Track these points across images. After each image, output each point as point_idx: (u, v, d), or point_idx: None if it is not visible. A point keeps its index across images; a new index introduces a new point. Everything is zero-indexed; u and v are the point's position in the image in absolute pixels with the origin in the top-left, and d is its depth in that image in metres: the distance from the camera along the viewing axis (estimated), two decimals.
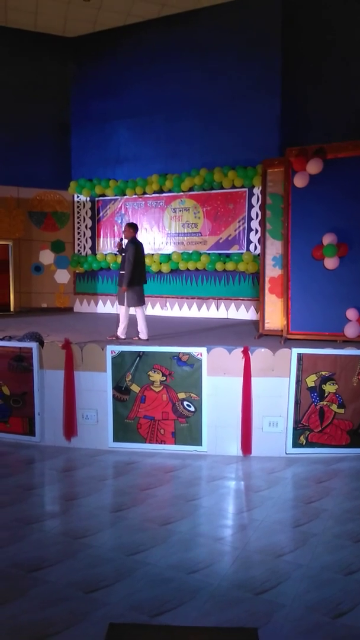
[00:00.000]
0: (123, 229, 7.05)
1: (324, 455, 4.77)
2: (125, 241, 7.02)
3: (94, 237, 11.34)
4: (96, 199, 11.26)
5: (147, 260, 10.45)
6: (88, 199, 11.29)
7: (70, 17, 10.28)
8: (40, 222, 11.29)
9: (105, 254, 11.05)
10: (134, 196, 10.81)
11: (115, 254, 6.95)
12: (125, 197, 10.93)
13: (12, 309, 11.06)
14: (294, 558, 3.03)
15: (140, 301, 6.85)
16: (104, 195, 11.12)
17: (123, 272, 6.74)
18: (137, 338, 6.82)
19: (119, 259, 6.86)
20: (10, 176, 10.86)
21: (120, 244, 7.06)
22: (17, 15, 10.21)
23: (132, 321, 6.91)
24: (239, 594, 2.67)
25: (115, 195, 10.99)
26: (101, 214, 11.30)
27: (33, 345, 5.06)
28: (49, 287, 11.44)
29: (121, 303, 6.83)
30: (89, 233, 11.33)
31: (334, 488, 4.06)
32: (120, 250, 6.93)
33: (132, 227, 7.00)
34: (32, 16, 10.24)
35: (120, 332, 6.81)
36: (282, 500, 3.84)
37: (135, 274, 6.76)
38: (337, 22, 8.18)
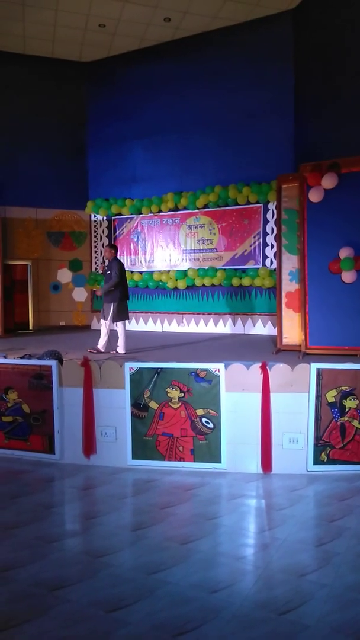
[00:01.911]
0: (104, 250, 7.79)
1: (347, 472, 4.68)
2: (106, 262, 7.66)
3: None
4: (112, 218, 11.44)
5: (164, 277, 10.60)
6: (105, 218, 11.47)
7: (86, 43, 10.59)
8: (58, 241, 11.49)
9: None
10: (150, 214, 10.95)
11: (104, 274, 7.38)
12: (141, 215, 11.08)
13: (30, 328, 11.21)
14: (317, 578, 2.97)
15: (124, 316, 7.37)
16: (120, 214, 11.29)
17: (111, 289, 7.32)
18: (114, 352, 7.19)
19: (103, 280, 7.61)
20: (29, 198, 11.12)
21: (103, 265, 7.63)
22: (35, 43, 10.56)
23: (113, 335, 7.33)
24: (262, 614, 2.62)
25: (131, 214, 11.15)
26: (117, 233, 11.46)
27: (52, 363, 5.11)
28: (67, 306, 11.58)
29: (105, 318, 7.29)
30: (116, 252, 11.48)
31: (357, 506, 3.98)
32: (104, 270, 7.50)
33: (113, 248, 7.75)
34: (50, 44, 10.58)
35: (102, 345, 7.22)
36: (304, 519, 3.78)
37: (120, 290, 7.32)
38: (349, 41, 8.27)
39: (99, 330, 7.48)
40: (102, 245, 11.52)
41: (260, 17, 9.57)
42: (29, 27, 9.91)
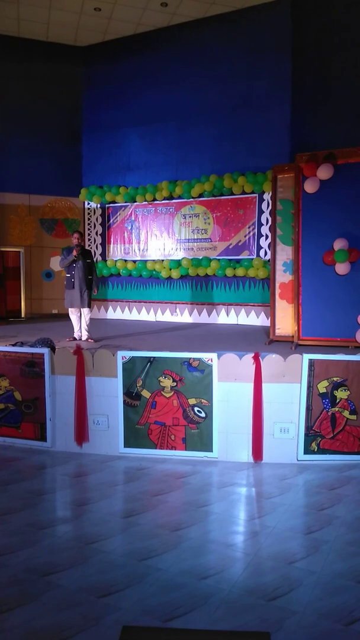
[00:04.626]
0: (74, 235, 7.43)
1: (336, 462, 4.73)
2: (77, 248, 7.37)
3: (104, 244, 11.43)
4: (106, 205, 11.36)
5: (157, 266, 10.57)
6: (98, 205, 11.39)
7: (81, 27, 10.43)
8: (51, 229, 11.40)
9: (116, 260, 11.13)
10: (144, 203, 10.88)
11: (74, 259, 7.21)
12: (135, 203, 11.01)
13: (23, 315, 11.15)
14: (306, 565, 3.01)
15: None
16: (114, 202, 11.21)
17: (90, 277, 7.35)
18: (91, 340, 7.28)
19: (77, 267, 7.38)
20: (22, 184, 11.00)
21: (77, 250, 7.29)
22: (29, 26, 10.38)
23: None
24: (251, 601, 2.66)
25: (126, 202, 11.07)
26: (111, 221, 11.39)
27: (45, 351, 5.10)
28: (59, 293, 11.49)
29: (84, 306, 7.32)
30: (99, 239, 11.42)
31: (346, 495, 4.03)
32: (78, 256, 7.26)
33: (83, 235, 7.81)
34: (44, 27, 10.40)
35: (83, 333, 7.36)
36: (293, 507, 3.82)
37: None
38: (347, 29, 8.20)
39: (91, 319, 7.51)
40: (96, 233, 11.46)
41: (258, 4, 9.46)
42: (23, 9, 9.73)
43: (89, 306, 7.36)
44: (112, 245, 11.40)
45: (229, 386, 4.80)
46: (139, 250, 11.11)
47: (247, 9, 9.60)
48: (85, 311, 7.34)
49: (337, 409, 4.75)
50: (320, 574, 2.91)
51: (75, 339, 7.24)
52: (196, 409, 4.81)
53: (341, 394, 4.73)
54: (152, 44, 10.61)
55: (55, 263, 11.50)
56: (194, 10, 9.76)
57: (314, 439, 4.74)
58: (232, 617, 2.52)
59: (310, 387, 4.71)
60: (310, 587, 2.78)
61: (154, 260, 10.79)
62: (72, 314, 7.36)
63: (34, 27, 10.43)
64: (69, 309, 7.38)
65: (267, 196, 9.43)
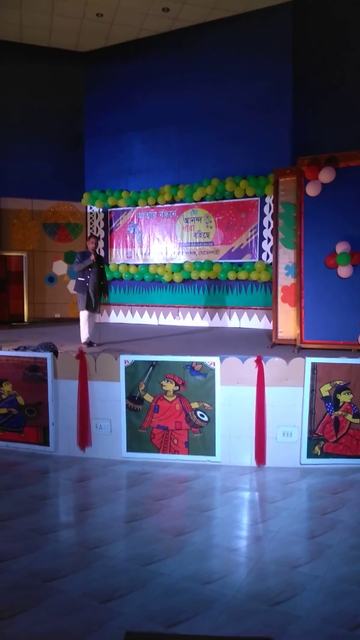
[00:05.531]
0: (91, 240, 7.44)
1: (340, 466, 4.72)
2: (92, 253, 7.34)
3: (107, 248, 11.45)
4: (109, 209, 11.38)
5: (159, 270, 10.58)
6: (101, 210, 11.42)
7: (83, 32, 10.48)
8: (54, 233, 11.43)
9: (118, 264, 11.15)
10: (146, 207, 10.90)
11: (91, 264, 7.18)
12: (137, 207, 11.03)
13: (25, 320, 11.17)
14: (309, 569, 3.00)
15: None
16: (116, 206, 11.23)
17: (102, 282, 7.39)
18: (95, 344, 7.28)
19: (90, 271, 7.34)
20: (25, 189, 11.04)
21: (95, 255, 7.25)
22: (32, 32, 10.43)
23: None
24: (254, 605, 2.65)
25: (128, 206, 11.09)
26: (114, 225, 11.41)
27: (47, 355, 5.10)
28: (62, 298, 11.54)
29: (97, 310, 7.41)
30: (101, 244, 11.43)
31: (349, 499, 4.01)
32: (94, 262, 7.22)
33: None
34: (47, 32, 10.46)
35: (90, 337, 7.33)
36: (297, 512, 3.81)
37: None
38: (348, 34, 8.22)
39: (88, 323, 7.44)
40: (98, 237, 11.48)
41: (260, 8, 9.49)
42: (25, 15, 9.78)
43: (99, 311, 7.42)
44: (114, 249, 11.42)
45: (232, 390, 4.79)
46: (142, 254, 11.12)
47: (247, 13, 9.62)
48: (95, 316, 7.40)
49: (340, 413, 4.74)
50: (324, 579, 2.89)
51: (91, 343, 7.20)
52: (199, 412, 4.80)
53: (344, 397, 4.72)
54: (154, 49, 10.65)
55: (58, 267, 11.53)
56: (195, 15, 9.79)
57: (317, 443, 4.73)
58: (235, 622, 2.51)
59: (313, 390, 4.70)
60: (314, 591, 2.77)
61: (156, 264, 10.80)
62: (86, 317, 7.31)
63: (37, 33, 10.48)
64: (82, 312, 7.32)
65: (269, 199, 9.44)
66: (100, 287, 7.36)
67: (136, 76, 10.88)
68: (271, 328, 7.64)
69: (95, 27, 10.24)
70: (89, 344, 7.16)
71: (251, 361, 4.75)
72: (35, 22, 10.04)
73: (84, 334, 7.27)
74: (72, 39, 10.78)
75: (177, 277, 10.38)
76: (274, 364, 4.77)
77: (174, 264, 10.51)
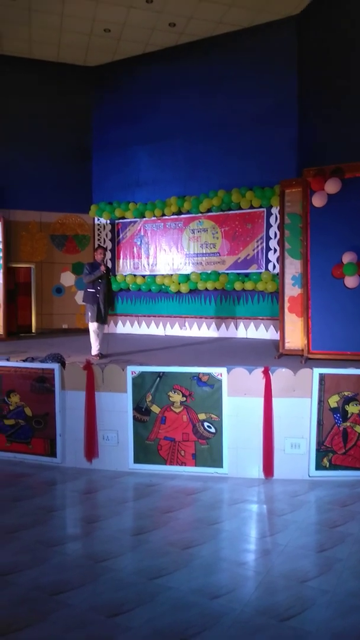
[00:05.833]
0: (99, 251, 7.54)
1: (349, 478, 4.67)
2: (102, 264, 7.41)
3: (114, 259, 11.52)
4: (116, 221, 11.47)
5: (166, 281, 10.62)
6: (108, 221, 11.51)
7: (91, 48, 10.65)
8: (61, 244, 11.53)
9: (125, 275, 11.20)
10: (153, 218, 10.98)
11: (101, 275, 7.25)
12: (144, 219, 11.11)
13: (33, 331, 11.23)
14: (319, 584, 2.96)
15: None
16: (123, 217, 11.32)
17: (109, 293, 7.47)
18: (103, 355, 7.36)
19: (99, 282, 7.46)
20: (33, 201, 11.16)
21: (104, 266, 7.35)
22: (41, 48, 10.62)
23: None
24: (263, 620, 2.61)
25: (135, 218, 11.18)
26: (121, 236, 11.49)
27: (55, 366, 5.12)
28: (70, 309, 11.60)
29: (105, 321, 7.46)
30: (109, 255, 11.51)
31: (358, 512, 3.97)
32: (103, 273, 7.33)
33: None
34: (55, 48, 10.64)
35: (100, 349, 7.40)
36: (305, 525, 3.77)
37: None
38: (352, 47, 8.29)
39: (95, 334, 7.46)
40: (106, 248, 11.55)
41: (264, 22, 9.61)
42: (34, 31, 9.97)
43: (106, 322, 7.49)
44: (121, 260, 11.48)
45: (239, 401, 4.77)
46: (148, 265, 11.18)
47: (253, 27, 9.75)
48: (104, 327, 7.47)
49: (348, 424, 4.70)
50: (333, 593, 2.85)
51: (101, 355, 7.23)
52: (206, 424, 4.78)
53: (352, 408, 4.68)
54: (161, 63, 10.79)
55: (66, 278, 11.61)
56: (201, 29, 9.93)
57: (325, 455, 4.69)
58: (244, 637, 2.48)
59: (321, 401, 4.67)
60: (323, 606, 2.73)
61: (163, 274, 10.85)
62: (95, 329, 7.32)
63: (46, 49, 10.67)
64: (91, 324, 7.33)
65: (275, 210, 9.47)
66: (108, 298, 7.42)
67: (143, 90, 11.02)
68: (278, 338, 7.63)
69: (102, 42, 10.41)
70: (101, 355, 7.17)
71: (258, 372, 4.73)
72: (44, 38, 10.23)
73: (95, 347, 7.27)
74: (80, 55, 10.96)
75: (184, 288, 10.40)
76: (281, 375, 4.75)
77: (180, 274, 10.54)
